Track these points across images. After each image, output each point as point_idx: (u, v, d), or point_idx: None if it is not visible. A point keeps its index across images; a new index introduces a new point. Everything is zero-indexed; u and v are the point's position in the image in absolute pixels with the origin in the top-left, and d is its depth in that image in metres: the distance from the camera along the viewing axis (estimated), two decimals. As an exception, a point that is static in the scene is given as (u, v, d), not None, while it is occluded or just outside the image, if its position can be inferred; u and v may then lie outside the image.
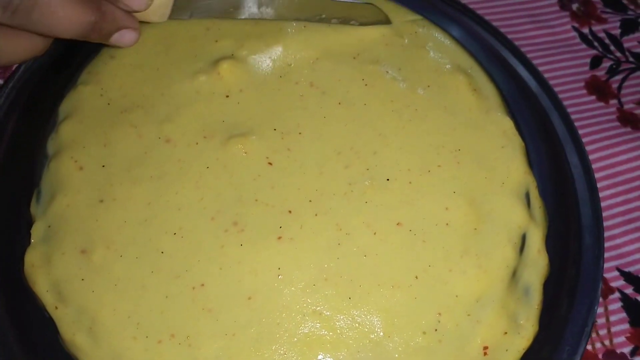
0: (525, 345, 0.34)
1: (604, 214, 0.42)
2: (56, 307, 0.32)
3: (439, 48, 0.44)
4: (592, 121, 0.50)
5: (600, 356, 0.40)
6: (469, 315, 0.33)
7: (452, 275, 0.34)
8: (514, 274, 0.35)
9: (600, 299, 0.41)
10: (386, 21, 0.44)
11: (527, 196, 0.38)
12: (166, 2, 0.36)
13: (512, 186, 0.38)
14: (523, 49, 0.52)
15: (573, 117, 0.48)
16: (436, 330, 0.33)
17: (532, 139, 0.42)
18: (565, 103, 0.49)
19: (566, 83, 0.52)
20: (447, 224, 0.36)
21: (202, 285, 0.33)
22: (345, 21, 0.42)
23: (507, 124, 0.41)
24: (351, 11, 0.42)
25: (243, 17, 0.40)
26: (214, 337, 0.31)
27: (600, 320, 0.41)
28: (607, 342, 0.40)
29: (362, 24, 0.43)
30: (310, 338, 0.32)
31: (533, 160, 0.41)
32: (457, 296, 0.34)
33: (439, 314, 0.33)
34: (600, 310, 0.42)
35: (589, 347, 0.40)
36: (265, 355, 0.31)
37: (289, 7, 0.41)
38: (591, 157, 0.46)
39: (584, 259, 0.38)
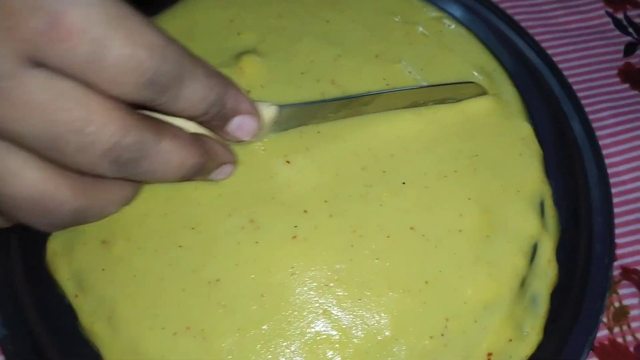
0: (529, 353, 0.35)
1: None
2: (76, 296, 0.33)
3: (462, 49, 0.44)
4: (625, 109, 0.48)
5: (631, 349, 0.40)
6: (476, 321, 0.34)
7: (462, 282, 0.35)
8: (523, 283, 0.36)
9: (635, 290, 0.41)
10: (483, 92, 0.41)
11: (542, 205, 0.39)
12: (271, 120, 0.31)
13: (527, 194, 0.38)
14: (553, 35, 0.51)
15: (605, 105, 0.48)
16: (443, 335, 0.33)
17: (550, 145, 0.42)
18: (597, 91, 0.49)
19: (598, 70, 0.50)
20: (460, 231, 0.36)
21: (218, 280, 0.34)
22: (441, 102, 0.40)
23: (526, 130, 0.41)
24: (450, 92, 0.40)
25: (333, 119, 0.38)
26: (228, 332, 0.32)
27: (634, 312, 0.41)
28: (639, 336, 0.40)
29: (459, 101, 0.40)
30: (320, 337, 0.33)
31: (549, 167, 0.41)
32: (465, 302, 0.34)
33: (447, 319, 0.34)
34: (634, 301, 0.41)
35: (619, 339, 0.40)
36: (276, 352, 0.32)
37: (386, 102, 0.38)
38: (623, 147, 0.46)
39: (592, 268, 0.39)
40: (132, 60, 0.19)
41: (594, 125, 0.45)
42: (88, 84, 0.20)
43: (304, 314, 0.33)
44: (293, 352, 0.32)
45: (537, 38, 0.49)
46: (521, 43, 0.47)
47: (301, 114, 0.35)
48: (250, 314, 0.33)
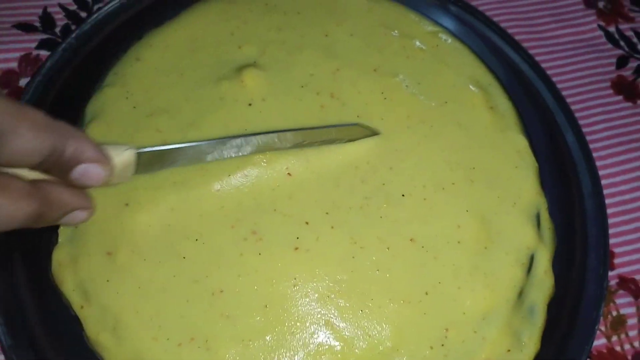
0: (527, 363, 0.35)
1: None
2: (82, 307, 0.34)
3: (459, 62, 0.45)
4: (620, 122, 0.49)
5: (629, 357, 0.40)
6: (475, 332, 0.35)
7: (461, 293, 0.35)
8: (520, 294, 0.37)
9: (632, 299, 0.42)
10: (373, 133, 0.40)
11: (538, 216, 0.40)
12: (127, 165, 0.30)
13: (523, 207, 0.39)
14: (546, 49, 0.52)
15: (600, 117, 0.49)
16: (443, 345, 0.34)
17: (545, 157, 0.43)
18: (591, 103, 0.50)
19: (592, 83, 0.51)
20: (458, 242, 0.37)
21: (221, 291, 0.34)
22: (329, 142, 0.39)
23: (522, 143, 0.42)
24: (335, 134, 0.39)
25: (212, 160, 0.36)
26: (231, 343, 0.33)
27: (631, 321, 0.41)
28: (636, 344, 0.41)
29: (348, 141, 0.39)
30: (323, 347, 0.33)
31: (544, 179, 0.42)
32: (464, 313, 0.35)
33: (447, 329, 0.34)
34: (631, 310, 0.42)
35: (617, 348, 0.41)
36: (279, 362, 0.33)
37: (266, 145, 0.37)
38: (619, 158, 0.47)
39: (588, 278, 0.39)
40: None
41: (589, 137, 0.46)
42: None
43: (307, 324, 0.34)
44: (296, 362, 0.33)
45: (531, 52, 0.50)
46: (516, 57, 0.48)
47: (170, 156, 0.33)
48: (253, 325, 0.33)
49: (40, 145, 0.23)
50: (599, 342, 0.40)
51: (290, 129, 0.38)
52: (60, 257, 0.35)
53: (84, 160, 0.26)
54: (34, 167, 0.25)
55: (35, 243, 0.36)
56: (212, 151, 0.35)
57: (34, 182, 0.25)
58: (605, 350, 0.40)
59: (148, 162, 0.31)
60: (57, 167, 0.25)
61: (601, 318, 0.39)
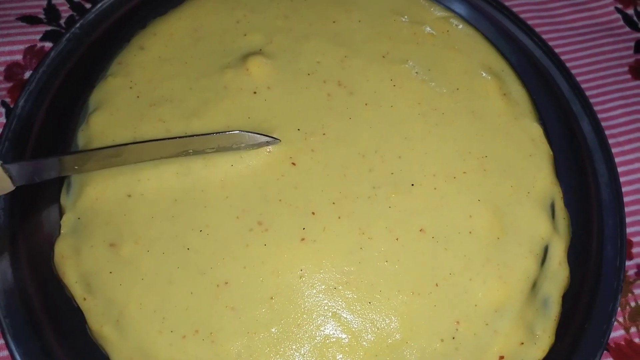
0: (541, 357, 0.34)
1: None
2: (85, 299, 0.33)
3: (470, 48, 0.44)
4: (638, 107, 0.48)
5: None
6: (487, 324, 0.34)
7: (473, 285, 0.34)
8: (534, 285, 0.35)
9: None
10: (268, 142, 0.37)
11: (552, 206, 0.38)
12: None
13: (537, 196, 0.38)
14: (561, 34, 0.50)
15: (617, 103, 0.47)
16: (454, 338, 0.33)
17: (560, 146, 0.42)
18: (608, 89, 0.48)
19: (609, 68, 0.50)
20: (470, 232, 0.36)
21: (226, 283, 0.33)
22: (223, 149, 0.37)
23: (536, 131, 0.40)
24: (220, 141, 0.36)
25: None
26: (237, 335, 0.32)
27: None
28: None
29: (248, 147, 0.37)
30: (330, 340, 0.33)
31: (559, 168, 0.41)
32: (476, 305, 0.34)
33: (458, 322, 0.33)
34: None
35: (636, 340, 0.39)
36: (285, 355, 0.32)
37: (144, 152, 0.36)
38: (638, 144, 0.45)
39: (604, 270, 0.38)
40: None
41: (606, 123, 0.44)
42: None
43: (314, 316, 0.33)
44: (303, 355, 0.32)
45: (545, 37, 0.48)
46: (529, 43, 0.46)
47: (45, 167, 0.33)
48: (259, 317, 0.33)
49: None
50: (617, 333, 0.39)
51: (172, 137, 0.36)
52: (62, 248, 0.34)
53: None
54: None
55: (38, 234, 0.36)
56: (86, 162, 0.35)
57: None
58: (623, 342, 0.39)
59: (26, 173, 0.32)
60: None
61: (618, 310, 0.37)
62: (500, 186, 0.38)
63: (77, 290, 0.33)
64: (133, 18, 0.44)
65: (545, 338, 0.35)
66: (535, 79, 0.44)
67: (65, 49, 0.42)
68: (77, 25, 0.43)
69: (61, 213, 0.36)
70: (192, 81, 0.40)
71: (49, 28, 0.47)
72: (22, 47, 0.46)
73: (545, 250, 0.37)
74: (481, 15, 0.47)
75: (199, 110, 0.39)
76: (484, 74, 0.42)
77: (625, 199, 0.39)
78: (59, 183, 0.37)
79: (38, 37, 0.47)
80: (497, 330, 0.34)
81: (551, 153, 0.40)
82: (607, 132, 0.45)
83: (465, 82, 0.41)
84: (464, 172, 0.38)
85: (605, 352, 0.38)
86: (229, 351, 0.32)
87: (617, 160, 0.43)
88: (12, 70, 0.45)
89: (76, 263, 0.34)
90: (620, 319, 0.40)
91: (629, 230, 0.40)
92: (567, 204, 0.39)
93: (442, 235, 0.36)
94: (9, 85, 0.45)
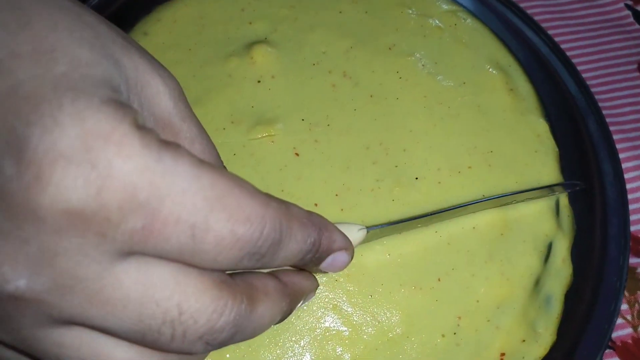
0: (542, 354, 0.34)
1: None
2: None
3: (478, 43, 0.43)
4: None
5: None
6: (488, 321, 0.33)
7: (475, 280, 0.34)
8: (537, 283, 0.35)
9: None
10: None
11: (557, 203, 0.38)
12: (358, 244, 0.29)
13: (542, 193, 0.37)
14: (570, 29, 0.50)
15: (626, 100, 0.47)
16: (455, 333, 0.33)
17: (565, 142, 0.41)
18: (617, 86, 0.48)
19: (618, 65, 0.49)
20: (473, 228, 0.35)
21: (226, 273, 0.33)
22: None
23: (542, 127, 0.40)
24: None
25: None
26: (236, 325, 0.32)
27: None
28: None
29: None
30: (330, 332, 0.32)
31: (565, 165, 0.40)
32: (478, 301, 0.34)
33: (459, 317, 0.33)
34: None
35: None
36: (285, 346, 0.32)
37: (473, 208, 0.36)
38: None
39: (607, 269, 0.38)
40: (231, 238, 0.18)
41: (615, 119, 0.44)
42: (184, 265, 0.18)
43: (314, 308, 0.33)
44: (302, 347, 0.32)
45: (554, 32, 0.48)
46: (536, 39, 0.46)
47: (387, 230, 0.33)
48: (258, 308, 0.32)
49: (304, 244, 0.21)
50: (625, 331, 0.39)
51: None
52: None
53: (335, 250, 0.24)
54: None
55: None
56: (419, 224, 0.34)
57: (277, 276, 0.23)
58: (630, 341, 0.38)
59: (370, 237, 0.30)
60: (310, 262, 0.23)
61: (621, 309, 0.37)
62: (504, 182, 0.37)
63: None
64: (137, 3, 0.44)
65: (547, 336, 0.34)
66: (541, 75, 0.44)
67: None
68: (80, 9, 0.43)
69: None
70: (196, 68, 0.40)
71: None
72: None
73: (549, 247, 0.36)
74: (488, 10, 0.47)
75: (202, 98, 0.38)
76: (491, 69, 0.42)
77: (637, 195, 0.39)
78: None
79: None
80: (499, 326, 0.33)
81: (557, 150, 0.39)
82: (616, 128, 0.45)
83: (471, 77, 0.41)
84: (469, 167, 0.37)
85: (611, 350, 0.38)
86: (228, 341, 0.31)
87: (628, 155, 0.42)
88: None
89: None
90: (629, 317, 0.39)
91: (639, 227, 0.39)
92: (572, 201, 0.39)
93: (445, 230, 0.35)
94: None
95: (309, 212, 0.22)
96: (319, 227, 0.23)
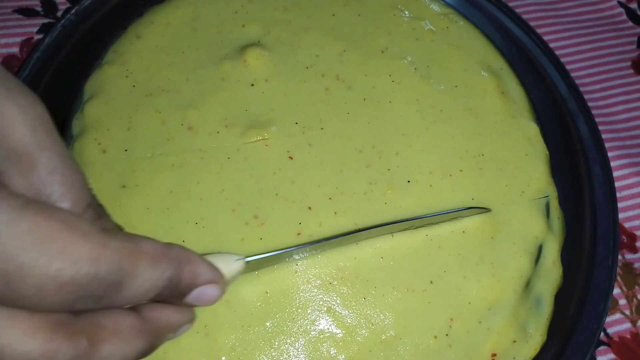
0: (532, 355, 0.34)
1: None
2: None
3: (470, 46, 0.44)
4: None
5: None
6: (480, 322, 0.34)
7: (466, 282, 0.35)
8: (527, 284, 0.36)
9: None
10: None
11: (547, 206, 0.38)
12: (236, 274, 0.28)
13: (532, 195, 0.38)
14: (563, 27, 0.50)
15: (618, 99, 0.47)
16: (447, 335, 0.33)
17: (556, 145, 0.42)
18: (610, 84, 0.48)
19: (611, 63, 0.49)
20: (463, 232, 0.36)
21: (221, 276, 0.33)
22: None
23: (533, 130, 0.40)
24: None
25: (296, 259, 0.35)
26: (231, 328, 0.32)
27: None
28: None
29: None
30: (324, 335, 0.33)
31: (555, 168, 0.41)
32: (469, 303, 0.34)
33: (451, 319, 0.34)
34: None
35: None
36: (280, 349, 0.32)
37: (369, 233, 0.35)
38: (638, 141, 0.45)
39: (596, 270, 0.38)
40: (54, 284, 0.17)
41: (608, 119, 0.44)
42: (12, 308, 0.18)
43: (308, 311, 0.33)
44: (297, 349, 0.32)
45: (546, 30, 0.48)
46: (528, 41, 0.46)
47: (271, 260, 0.32)
48: (253, 311, 0.33)
49: (157, 280, 0.21)
50: (623, 326, 0.39)
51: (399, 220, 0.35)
52: (56, 238, 0.34)
53: (200, 284, 0.23)
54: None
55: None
56: (301, 253, 0.33)
57: (138, 311, 0.22)
58: (628, 336, 0.39)
59: (253, 266, 0.29)
60: (172, 296, 0.23)
61: (619, 304, 0.37)
62: (495, 185, 0.38)
63: (70, 281, 0.33)
64: (130, 6, 0.43)
65: (537, 336, 0.35)
66: (532, 78, 0.44)
67: (60, 36, 0.42)
68: (73, 12, 0.43)
69: (54, 202, 0.36)
70: (189, 71, 0.40)
71: (45, 21, 0.46)
72: (18, 39, 0.45)
73: (539, 249, 0.37)
74: (480, 12, 0.47)
75: (195, 101, 0.38)
76: (483, 72, 0.42)
77: (629, 192, 0.39)
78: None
79: (35, 29, 0.46)
80: (490, 327, 0.34)
81: (547, 152, 0.40)
82: (608, 127, 0.45)
83: (463, 80, 0.41)
84: (460, 170, 0.38)
85: (606, 347, 0.38)
86: (223, 344, 0.32)
87: (619, 153, 0.43)
88: (9, 63, 0.45)
89: (69, 253, 0.34)
90: (627, 312, 0.40)
91: (633, 223, 0.40)
92: (562, 203, 0.39)
93: (436, 233, 0.36)
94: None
95: (167, 246, 0.21)
96: (179, 261, 0.22)
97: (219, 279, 0.25)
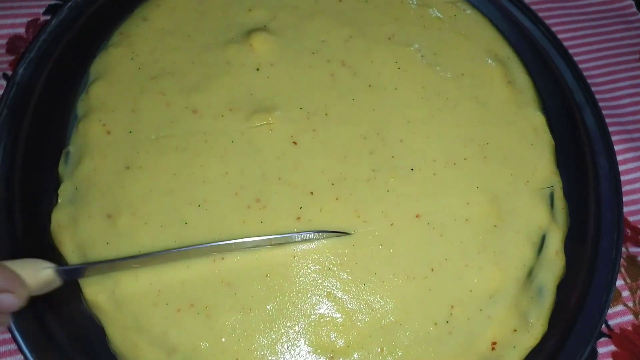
0: (533, 344, 0.34)
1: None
2: (81, 268, 0.33)
3: (477, 34, 0.43)
4: None
5: None
6: (481, 310, 0.34)
7: (468, 271, 0.34)
8: (530, 274, 0.36)
9: None
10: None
11: (552, 196, 0.38)
12: (47, 281, 0.28)
13: (536, 185, 0.38)
14: (571, 18, 0.49)
15: (625, 92, 0.47)
16: (447, 322, 0.33)
17: (562, 136, 0.41)
18: (617, 76, 0.48)
19: (619, 55, 0.49)
20: (466, 220, 0.36)
21: (222, 258, 0.33)
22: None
23: (539, 120, 0.40)
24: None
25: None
26: (231, 311, 0.32)
27: None
28: None
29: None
30: (324, 319, 0.33)
31: (560, 158, 0.40)
32: (471, 291, 0.34)
33: (452, 307, 0.34)
34: None
35: None
36: (280, 332, 0.32)
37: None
38: None
39: (599, 262, 0.38)
40: None
41: (612, 112, 0.44)
42: None
43: (308, 295, 0.33)
44: (297, 332, 0.32)
45: (555, 22, 0.47)
46: (536, 31, 0.46)
47: (101, 268, 0.32)
48: (254, 293, 0.33)
49: None
50: (625, 318, 0.39)
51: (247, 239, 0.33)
52: (59, 217, 0.34)
53: None
54: None
55: (35, 203, 0.36)
56: (145, 263, 0.32)
57: None
58: (630, 328, 0.39)
59: (82, 273, 0.30)
60: None
61: (622, 296, 0.37)
62: (499, 174, 0.37)
63: (73, 259, 0.33)
64: (136, -12, 0.43)
65: (538, 326, 0.35)
66: (540, 68, 0.44)
67: (67, 18, 0.41)
68: (80, -7, 0.43)
69: (59, 182, 0.36)
70: (195, 55, 0.40)
71: (52, 2, 0.46)
72: (24, 20, 0.45)
73: (543, 239, 0.37)
74: (488, 2, 0.47)
75: (200, 84, 0.38)
76: (490, 61, 0.42)
77: (635, 186, 0.39)
78: (58, 152, 0.37)
79: (41, 10, 0.46)
80: (491, 316, 0.34)
81: (553, 143, 0.40)
82: (615, 120, 0.44)
83: (470, 68, 0.41)
84: (465, 159, 0.38)
85: (607, 338, 0.38)
86: (224, 326, 0.32)
87: (626, 146, 0.42)
88: (15, 44, 0.45)
89: (73, 233, 0.34)
90: (630, 304, 0.39)
91: (638, 217, 0.40)
92: (567, 194, 0.39)
93: (438, 221, 0.35)
94: (11, 58, 0.44)
95: None
96: None
97: (16, 288, 0.25)
